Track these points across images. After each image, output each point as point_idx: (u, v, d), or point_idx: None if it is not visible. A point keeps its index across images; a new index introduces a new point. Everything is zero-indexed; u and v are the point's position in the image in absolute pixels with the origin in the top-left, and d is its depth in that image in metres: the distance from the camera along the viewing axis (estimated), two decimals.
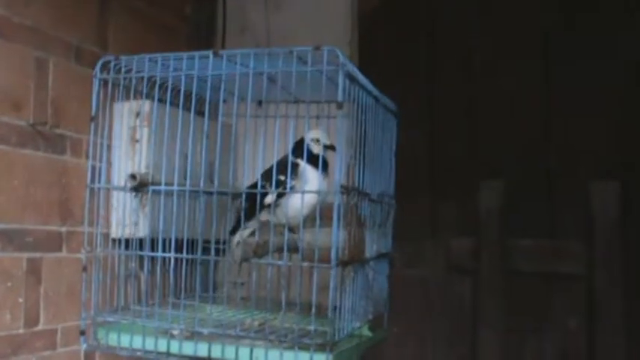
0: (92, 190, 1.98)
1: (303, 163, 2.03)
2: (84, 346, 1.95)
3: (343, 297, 1.80)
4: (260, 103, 2.19)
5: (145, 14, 2.79)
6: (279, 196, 1.99)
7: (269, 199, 1.98)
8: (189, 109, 1.97)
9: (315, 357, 1.71)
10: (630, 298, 3.10)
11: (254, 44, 2.98)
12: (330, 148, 2.06)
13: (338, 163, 1.73)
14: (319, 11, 3.02)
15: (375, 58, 3.14)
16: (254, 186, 2.02)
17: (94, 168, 1.99)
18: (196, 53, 1.86)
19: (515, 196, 3.23)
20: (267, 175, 2.00)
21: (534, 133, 3.28)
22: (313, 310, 1.76)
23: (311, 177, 2.01)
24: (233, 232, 2.10)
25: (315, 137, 2.09)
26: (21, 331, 2.23)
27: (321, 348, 1.71)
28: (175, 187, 1.90)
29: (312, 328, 1.78)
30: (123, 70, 1.97)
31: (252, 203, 1.99)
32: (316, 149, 2.08)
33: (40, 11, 2.32)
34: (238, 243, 1.87)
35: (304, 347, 1.73)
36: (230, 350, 1.79)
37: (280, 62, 1.79)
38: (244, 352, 1.78)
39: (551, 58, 3.28)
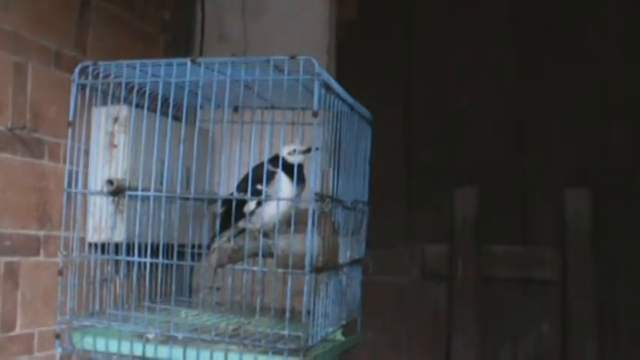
0: (69, 194, 1.99)
1: (279, 172, 2.05)
2: (59, 350, 1.96)
3: (317, 302, 1.82)
4: (237, 109, 2.21)
5: (124, 20, 2.80)
6: (257, 204, 2.01)
7: (248, 207, 2.00)
8: (166, 115, 1.99)
9: None
10: (602, 304, 3.15)
11: (232, 51, 3.00)
12: (307, 151, 2.08)
13: (313, 170, 1.76)
14: (297, 20, 3.05)
15: (352, 67, 3.17)
16: (232, 193, 2.04)
17: (71, 172, 2.00)
18: (174, 60, 1.88)
19: (490, 203, 3.27)
20: (244, 183, 2.02)
21: (509, 141, 3.33)
22: (287, 315, 1.78)
23: (284, 186, 2.03)
24: (214, 238, 2.11)
25: (290, 149, 2.10)
26: None
27: (294, 352, 1.73)
28: (152, 193, 1.92)
29: (286, 332, 1.81)
30: (101, 75, 1.98)
31: (230, 211, 2.01)
32: (292, 160, 2.09)
33: (20, 16, 2.32)
34: (214, 249, 1.89)
35: (278, 352, 1.75)
36: (205, 354, 1.81)
37: (257, 70, 1.82)
38: (219, 356, 1.80)
39: (524, 66, 3.32)
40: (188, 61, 1.86)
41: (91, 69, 1.96)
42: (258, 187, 2.00)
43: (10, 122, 2.28)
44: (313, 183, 1.75)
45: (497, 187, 3.29)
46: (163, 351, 1.86)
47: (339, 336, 2.07)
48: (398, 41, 3.48)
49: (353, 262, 2.12)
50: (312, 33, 3.06)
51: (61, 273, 1.96)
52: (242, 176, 2.05)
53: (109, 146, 2.35)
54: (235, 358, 1.79)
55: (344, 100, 1.97)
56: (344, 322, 2.10)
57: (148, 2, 2.95)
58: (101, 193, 2.02)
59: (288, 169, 2.06)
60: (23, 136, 2.32)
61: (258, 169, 2.03)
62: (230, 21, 3.14)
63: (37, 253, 2.38)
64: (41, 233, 2.39)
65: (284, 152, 2.10)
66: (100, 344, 1.91)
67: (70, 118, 1.98)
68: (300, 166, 2.09)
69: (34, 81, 2.37)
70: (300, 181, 2.05)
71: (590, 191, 3.19)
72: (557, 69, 3.27)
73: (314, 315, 1.80)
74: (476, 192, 3.30)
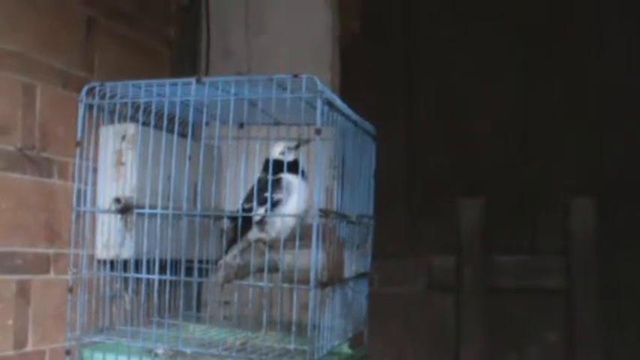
0: (78, 212, 2.02)
1: (284, 176, 2.06)
2: None
3: (323, 316, 1.85)
4: (242, 125, 2.23)
5: (130, 39, 2.83)
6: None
7: (256, 220, 2.02)
8: (173, 132, 2.01)
9: None
10: (608, 313, 3.15)
11: (236, 68, 3.03)
12: (297, 147, 2.09)
13: (317, 186, 1.78)
14: (301, 36, 3.08)
15: (355, 79, 3.19)
16: (237, 209, 2.06)
17: (80, 191, 2.03)
18: (179, 80, 1.91)
19: (496, 213, 3.28)
20: (252, 196, 2.04)
21: (514, 150, 3.34)
22: (294, 329, 1.81)
23: (295, 187, 2.04)
24: (221, 253, 2.12)
25: (281, 150, 2.12)
26: (10, 352, 2.25)
27: None
28: (159, 211, 1.95)
29: (292, 346, 1.83)
30: (108, 95, 2.01)
31: (237, 227, 2.03)
32: (290, 156, 2.10)
33: (27, 37, 2.36)
34: (221, 265, 1.91)
35: None
36: None
37: (260, 89, 1.85)
38: None
39: (528, 75, 3.34)
40: (193, 80, 1.89)
41: (97, 89, 1.99)
42: (266, 195, 2.02)
43: (20, 142, 2.31)
44: (317, 198, 1.77)
45: (503, 197, 3.30)
46: None
47: (345, 349, 2.09)
48: (401, 52, 3.50)
49: (358, 276, 2.14)
50: (315, 46, 3.09)
51: (71, 290, 1.99)
52: (252, 188, 2.07)
53: (117, 164, 2.38)
54: None
55: (347, 116, 1.99)
56: (350, 335, 2.12)
57: (153, 20, 2.98)
58: (109, 211, 2.04)
59: (289, 167, 2.06)
60: (32, 155, 2.35)
61: (263, 181, 2.05)
62: (235, 37, 3.17)
63: (47, 271, 2.41)
64: (51, 251, 2.42)
65: (275, 154, 2.12)
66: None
67: (78, 137, 2.01)
68: (296, 162, 2.10)
69: (42, 101, 2.40)
70: (303, 174, 2.06)
71: (596, 200, 3.19)
72: (562, 77, 3.29)
73: (320, 329, 1.82)
74: (481, 202, 3.30)
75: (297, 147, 2.11)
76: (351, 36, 3.30)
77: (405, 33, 3.49)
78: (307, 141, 2.00)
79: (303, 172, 2.08)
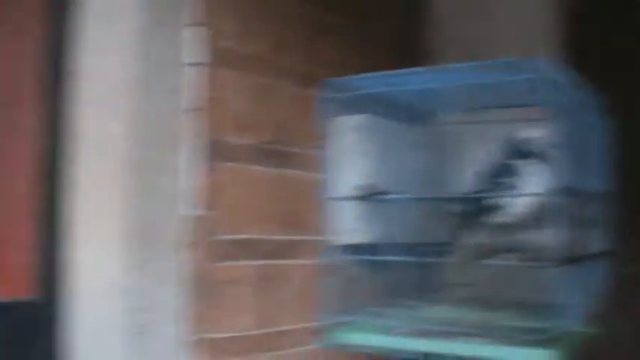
0: (323, 201, 2.15)
1: (523, 162, 2.07)
2: (321, 344, 2.11)
3: (562, 295, 1.85)
4: (472, 110, 2.27)
5: (353, 34, 2.95)
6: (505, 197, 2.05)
7: (493, 202, 2.05)
8: (404, 121, 2.09)
9: (536, 352, 1.77)
10: None
11: (462, 53, 3.06)
12: (547, 148, 2.08)
13: (554, 165, 1.79)
14: (525, 17, 3.06)
15: (583, 57, 3.12)
16: (474, 191, 2.10)
17: (323, 181, 2.16)
18: (409, 70, 1.98)
19: None
20: (487, 178, 2.07)
21: None
22: (533, 307, 1.82)
23: (532, 175, 2.05)
24: (458, 236, 2.19)
25: (531, 136, 2.12)
26: (256, 332, 2.44)
27: (542, 344, 1.77)
28: (400, 196, 2.03)
29: (531, 325, 1.84)
30: (343, 89, 2.12)
31: (474, 207, 2.07)
32: (533, 147, 2.11)
33: (261, 40, 2.54)
34: (459, 247, 1.96)
35: (524, 343, 1.80)
36: (455, 347, 1.89)
37: (490, 73, 1.88)
38: (469, 348, 1.87)
39: None
40: (422, 69, 1.95)
41: (333, 84, 2.10)
42: (503, 179, 2.04)
43: (261, 138, 2.49)
44: (556, 178, 1.78)
45: None
46: (414, 344, 1.96)
47: (584, 328, 2.07)
48: (630, 26, 3.37)
49: (599, 254, 2.11)
50: (540, 26, 3.06)
51: (319, 274, 2.12)
52: (486, 170, 2.10)
53: (354, 153, 2.49)
54: (485, 349, 1.85)
55: (577, 95, 1.98)
56: (590, 315, 2.09)
57: (371, 14, 3.08)
58: (352, 198, 2.15)
59: (531, 156, 2.08)
60: (273, 149, 2.52)
61: (500, 163, 2.07)
62: (458, 23, 3.20)
63: (290, 256, 2.58)
64: (294, 238, 2.59)
65: (524, 136, 2.13)
66: (359, 338, 2.05)
67: (319, 130, 2.14)
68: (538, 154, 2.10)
69: (278, 98, 2.57)
70: (544, 165, 2.05)
71: None
72: None
73: (560, 308, 1.82)
74: None
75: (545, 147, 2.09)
76: (576, 13, 3.23)
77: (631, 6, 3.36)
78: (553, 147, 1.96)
79: (540, 157, 2.07)
